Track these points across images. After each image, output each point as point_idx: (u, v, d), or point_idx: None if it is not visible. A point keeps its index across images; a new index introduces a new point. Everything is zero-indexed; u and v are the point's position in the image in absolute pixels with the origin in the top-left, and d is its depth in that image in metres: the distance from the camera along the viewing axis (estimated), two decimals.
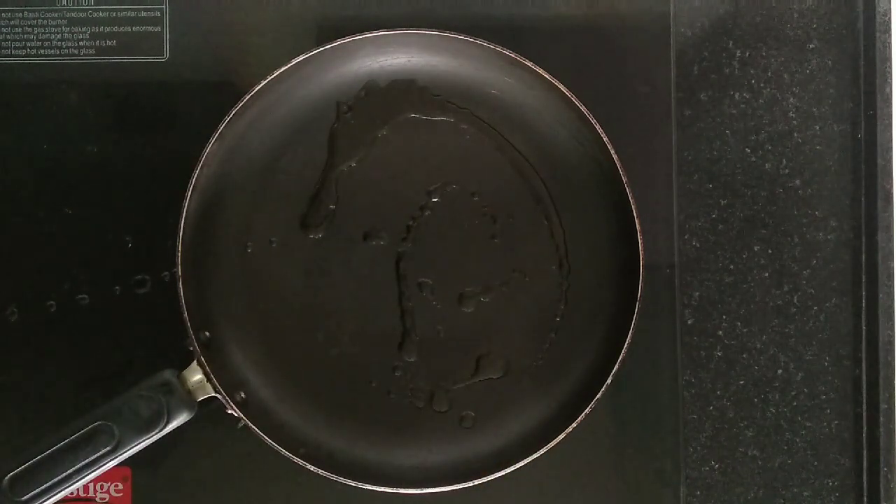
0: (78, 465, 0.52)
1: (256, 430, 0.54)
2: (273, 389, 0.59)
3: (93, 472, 0.52)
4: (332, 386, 0.59)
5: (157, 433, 0.54)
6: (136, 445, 0.53)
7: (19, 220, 0.61)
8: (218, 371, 0.55)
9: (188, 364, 0.55)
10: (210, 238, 0.58)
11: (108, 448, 0.53)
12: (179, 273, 0.54)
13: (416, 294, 0.60)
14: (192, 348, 0.55)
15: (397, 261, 0.60)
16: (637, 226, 0.56)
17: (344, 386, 0.59)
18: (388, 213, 0.60)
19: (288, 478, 0.59)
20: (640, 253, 0.56)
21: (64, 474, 0.52)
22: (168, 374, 0.55)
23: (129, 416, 0.53)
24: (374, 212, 0.60)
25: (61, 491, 0.52)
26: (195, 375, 0.55)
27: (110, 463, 0.53)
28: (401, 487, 0.55)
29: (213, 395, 0.55)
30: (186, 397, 0.54)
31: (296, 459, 0.54)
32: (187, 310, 0.54)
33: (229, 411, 0.55)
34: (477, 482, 0.55)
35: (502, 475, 0.55)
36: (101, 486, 0.59)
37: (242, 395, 0.57)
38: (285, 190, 0.60)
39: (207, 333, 0.57)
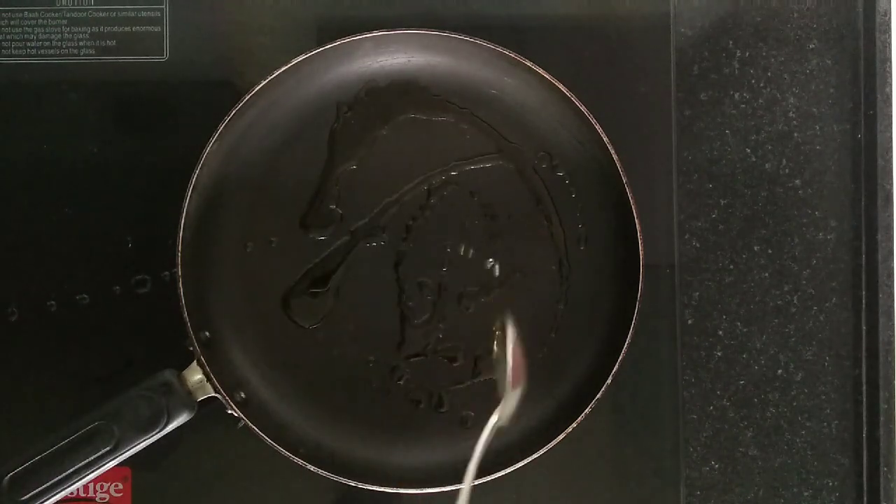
0: (78, 465, 0.52)
1: (256, 430, 0.54)
2: (273, 389, 0.59)
3: (93, 472, 0.52)
4: (332, 386, 0.59)
5: (157, 433, 0.54)
6: (136, 445, 0.53)
7: (19, 220, 0.61)
8: (218, 371, 0.55)
9: (188, 364, 0.55)
10: (210, 238, 0.58)
11: (108, 448, 0.53)
12: (179, 273, 0.54)
13: (416, 294, 0.60)
14: (192, 348, 0.55)
15: (397, 261, 0.60)
16: (637, 226, 0.56)
17: (344, 386, 0.59)
18: (388, 213, 0.60)
19: (288, 478, 0.59)
20: (640, 253, 0.56)
21: (64, 474, 0.52)
22: (168, 374, 0.55)
23: (129, 416, 0.53)
24: (374, 212, 0.60)
25: (61, 491, 0.52)
26: (195, 375, 0.55)
27: (110, 463, 0.53)
28: (401, 487, 0.55)
29: (213, 395, 0.55)
30: (186, 397, 0.54)
31: (296, 459, 0.54)
32: (187, 310, 0.54)
33: (229, 411, 0.55)
34: (477, 482, 0.55)
35: (502, 475, 0.55)
36: (101, 486, 0.59)
37: (242, 395, 0.57)
38: (285, 190, 0.60)
39: (207, 333, 0.57)
